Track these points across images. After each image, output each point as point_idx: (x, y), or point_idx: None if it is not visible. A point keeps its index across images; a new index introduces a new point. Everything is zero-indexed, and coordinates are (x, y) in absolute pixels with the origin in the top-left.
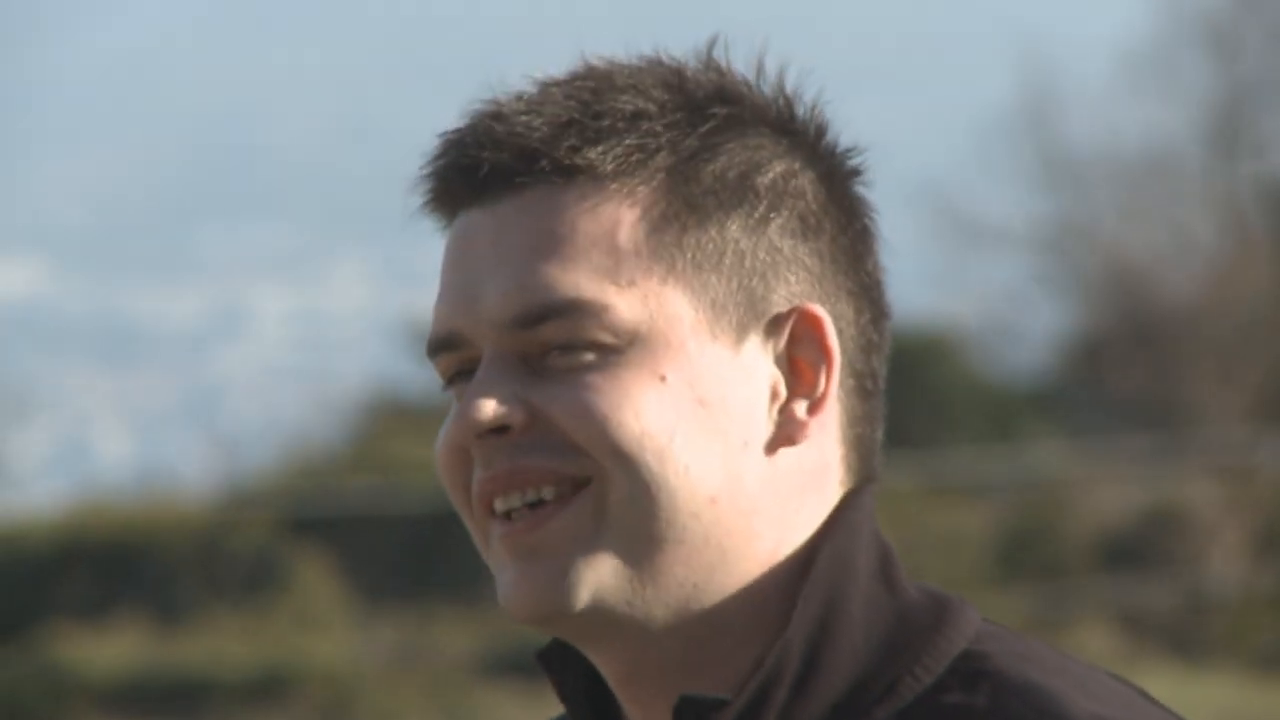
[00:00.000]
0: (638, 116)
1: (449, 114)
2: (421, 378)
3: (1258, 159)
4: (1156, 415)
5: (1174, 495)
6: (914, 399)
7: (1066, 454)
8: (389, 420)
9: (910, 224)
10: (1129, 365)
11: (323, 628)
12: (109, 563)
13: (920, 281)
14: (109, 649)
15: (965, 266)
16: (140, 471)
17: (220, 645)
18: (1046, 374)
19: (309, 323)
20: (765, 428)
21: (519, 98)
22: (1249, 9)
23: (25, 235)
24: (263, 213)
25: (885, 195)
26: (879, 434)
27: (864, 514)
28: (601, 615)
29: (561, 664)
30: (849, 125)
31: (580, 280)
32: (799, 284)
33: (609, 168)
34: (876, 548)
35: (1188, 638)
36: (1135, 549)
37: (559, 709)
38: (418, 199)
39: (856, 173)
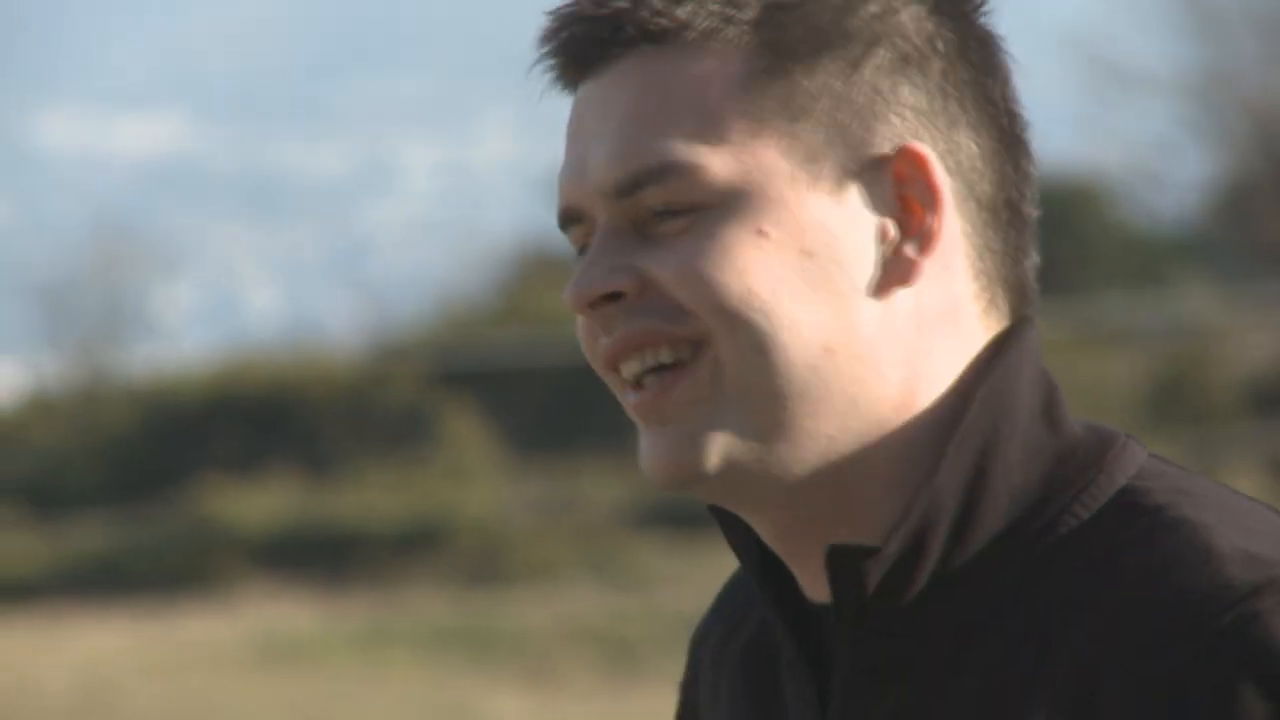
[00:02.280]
0: None
1: None
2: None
3: None
4: None
5: None
6: (1061, 246)
7: (1215, 301)
8: (537, 272)
9: (1058, 72)
10: (1273, 213)
11: (471, 480)
12: (259, 417)
13: (1068, 129)
14: (259, 502)
15: (1113, 114)
16: (289, 326)
17: (370, 498)
18: (1194, 221)
19: (456, 175)
20: (875, 272)
21: None
22: None
23: (167, 87)
24: (407, 64)
25: (1034, 43)
26: (1026, 267)
27: (1024, 353)
28: (736, 475)
29: (731, 518)
30: None
31: (672, 143)
32: (903, 122)
33: (696, 26)
34: (1040, 387)
35: None
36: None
37: (709, 559)
38: (539, 70)
39: (977, 4)
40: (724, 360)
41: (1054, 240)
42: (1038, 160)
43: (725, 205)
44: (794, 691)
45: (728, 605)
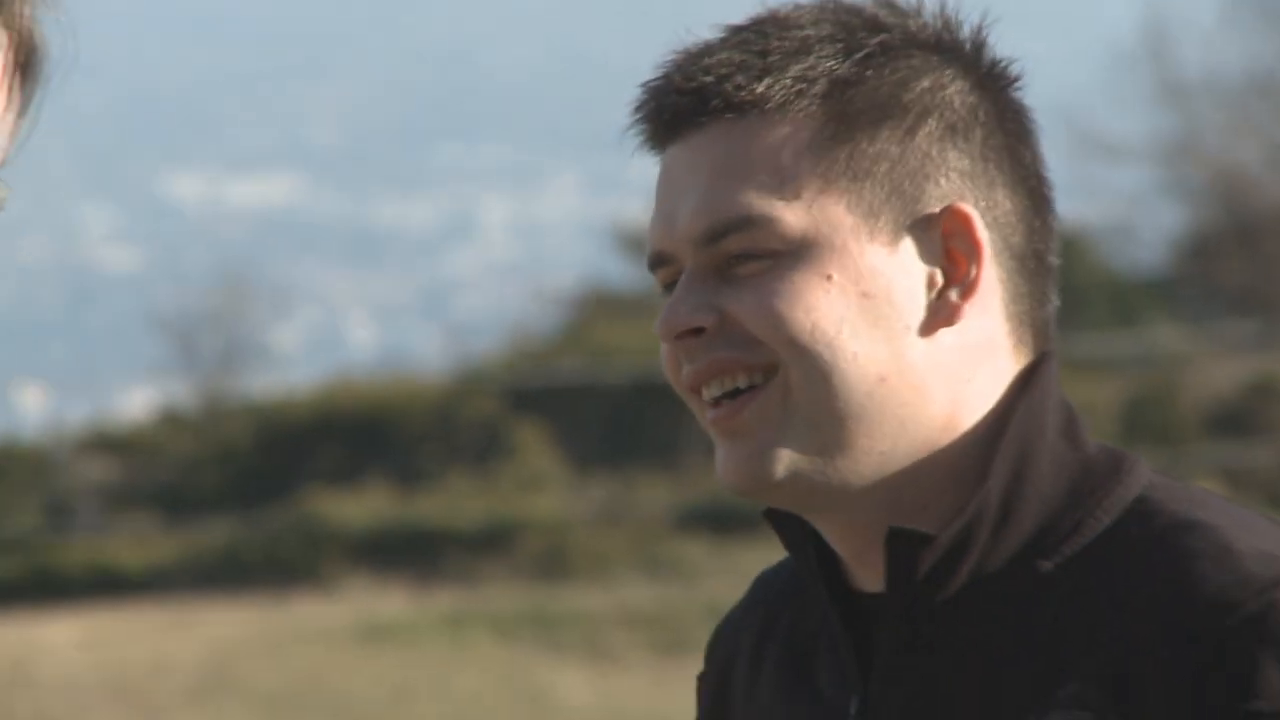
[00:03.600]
0: (799, 52)
1: (647, 47)
2: (624, 272)
3: None
4: (1256, 303)
5: (1272, 371)
6: None
7: (1181, 336)
8: (596, 309)
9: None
10: (1232, 261)
11: (540, 488)
12: (357, 434)
13: (1057, 190)
14: (358, 507)
15: (1094, 177)
16: (384, 356)
17: (453, 503)
18: (1163, 269)
19: (528, 227)
20: (923, 313)
21: (703, 46)
22: None
23: (285, 154)
24: (489, 133)
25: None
26: (1049, 308)
27: (1049, 381)
28: (800, 485)
29: (786, 520)
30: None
31: (752, 198)
32: (949, 184)
33: (773, 99)
34: (1062, 410)
35: None
36: (1238, 418)
37: (742, 555)
38: (632, 138)
39: (1012, 80)
40: (792, 385)
41: None
42: (1059, 216)
43: (797, 253)
44: (833, 673)
45: (762, 600)
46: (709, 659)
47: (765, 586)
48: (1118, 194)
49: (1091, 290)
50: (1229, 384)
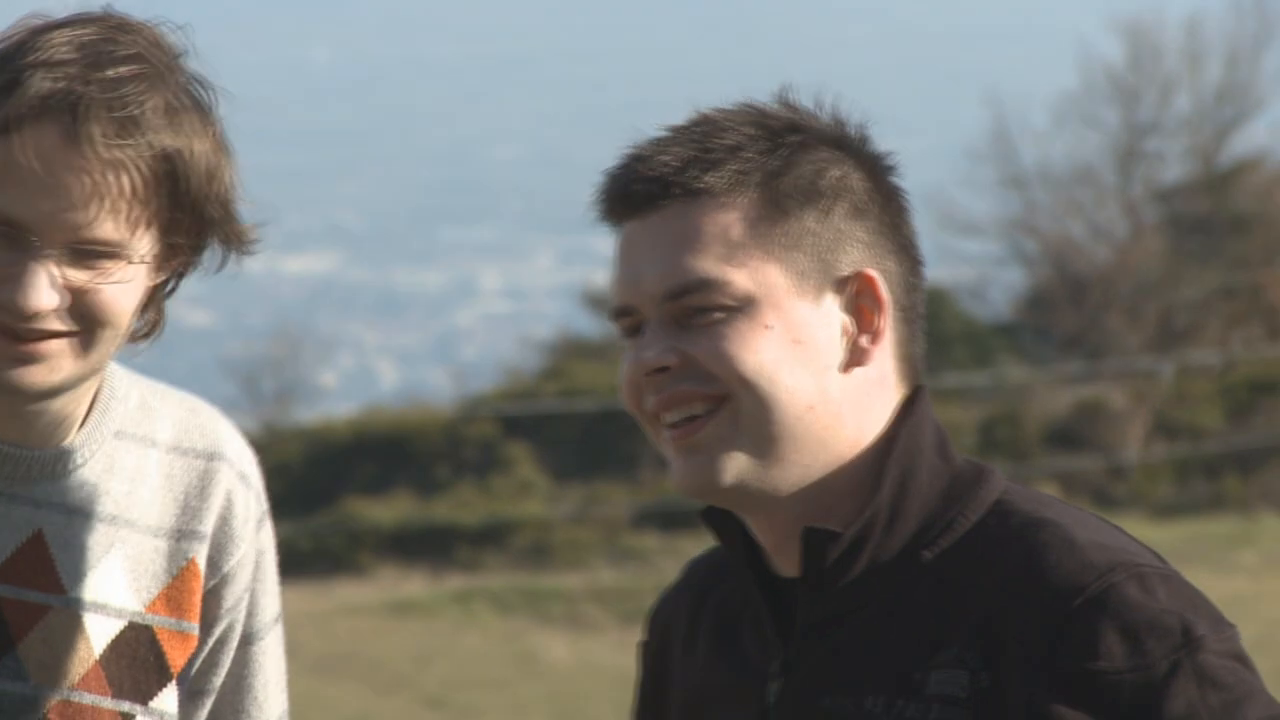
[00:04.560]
0: (736, 149)
1: (608, 149)
2: (590, 325)
3: (1149, 173)
4: (1082, 346)
5: (1097, 399)
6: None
7: (1023, 372)
8: (570, 353)
9: (918, 218)
10: (1063, 313)
11: (528, 494)
12: (385, 452)
13: (926, 256)
14: (386, 510)
15: (954, 247)
16: (405, 392)
17: (461, 506)
18: (1008, 318)
19: (516, 290)
20: (841, 355)
21: (654, 142)
22: (1142, 71)
23: (325, 236)
24: (484, 217)
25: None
26: (920, 348)
27: (925, 408)
28: (741, 489)
29: (720, 518)
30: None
31: (708, 264)
32: (857, 253)
33: (720, 187)
34: (936, 432)
35: (1107, 494)
36: (1069, 436)
37: (689, 547)
38: (595, 214)
39: (891, 168)
40: (741, 411)
41: None
42: (927, 277)
43: (743, 308)
44: (756, 640)
45: (694, 582)
46: (649, 629)
47: (695, 570)
48: (972, 260)
49: (953, 336)
50: (1062, 409)
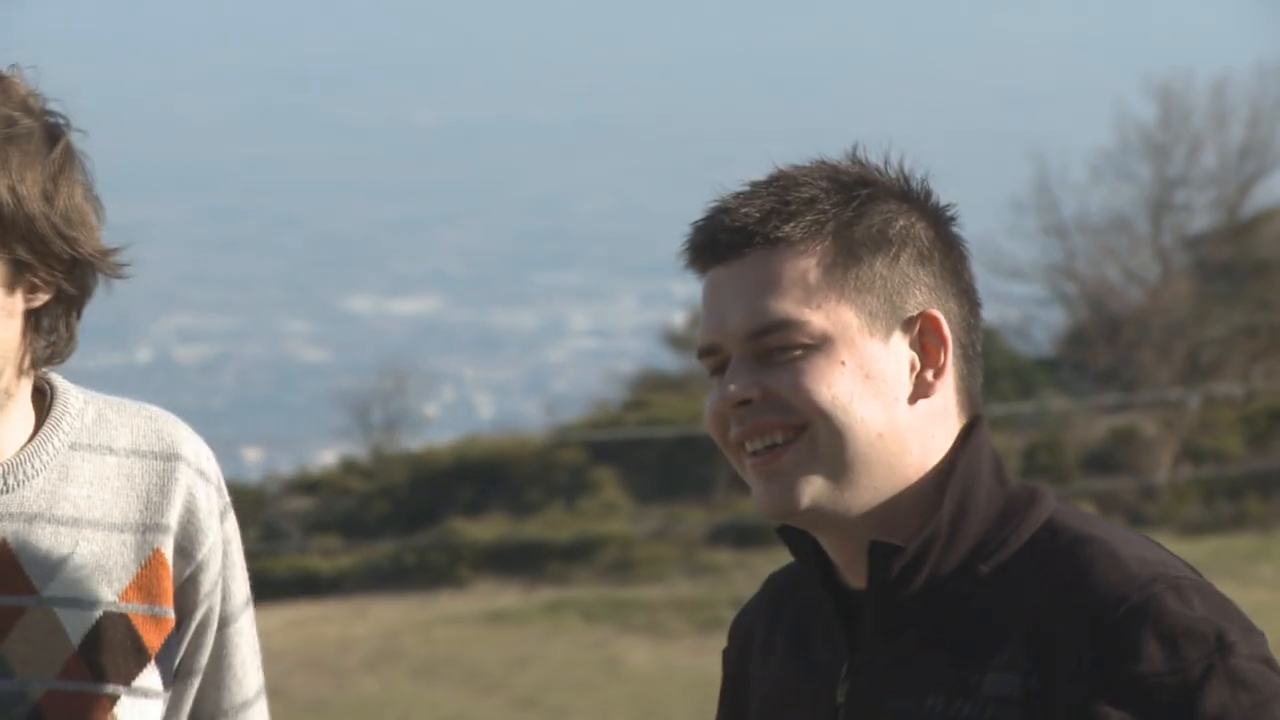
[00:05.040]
0: (813, 201)
1: (684, 201)
2: (670, 361)
3: (1178, 222)
4: (1117, 379)
5: (1130, 427)
6: None
7: (1063, 403)
8: (651, 386)
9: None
10: (1099, 349)
11: (613, 514)
12: (483, 477)
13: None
14: (484, 529)
15: (1001, 289)
16: (501, 422)
17: (551, 525)
18: (1050, 354)
19: (603, 330)
20: (908, 388)
21: (737, 196)
22: (1172, 130)
23: (429, 280)
24: (573, 262)
25: None
26: (978, 382)
27: (984, 436)
28: (817, 510)
29: (795, 536)
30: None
31: (788, 306)
32: (922, 295)
33: (798, 236)
34: (993, 457)
35: (1139, 514)
36: (1105, 460)
37: (760, 563)
38: (682, 261)
39: (953, 219)
40: (818, 440)
41: None
42: (983, 317)
43: (819, 346)
44: (827, 648)
45: (772, 594)
46: (731, 637)
47: (773, 584)
48: (1017, 301)
49: (999, 370)
50: (1098, 436)
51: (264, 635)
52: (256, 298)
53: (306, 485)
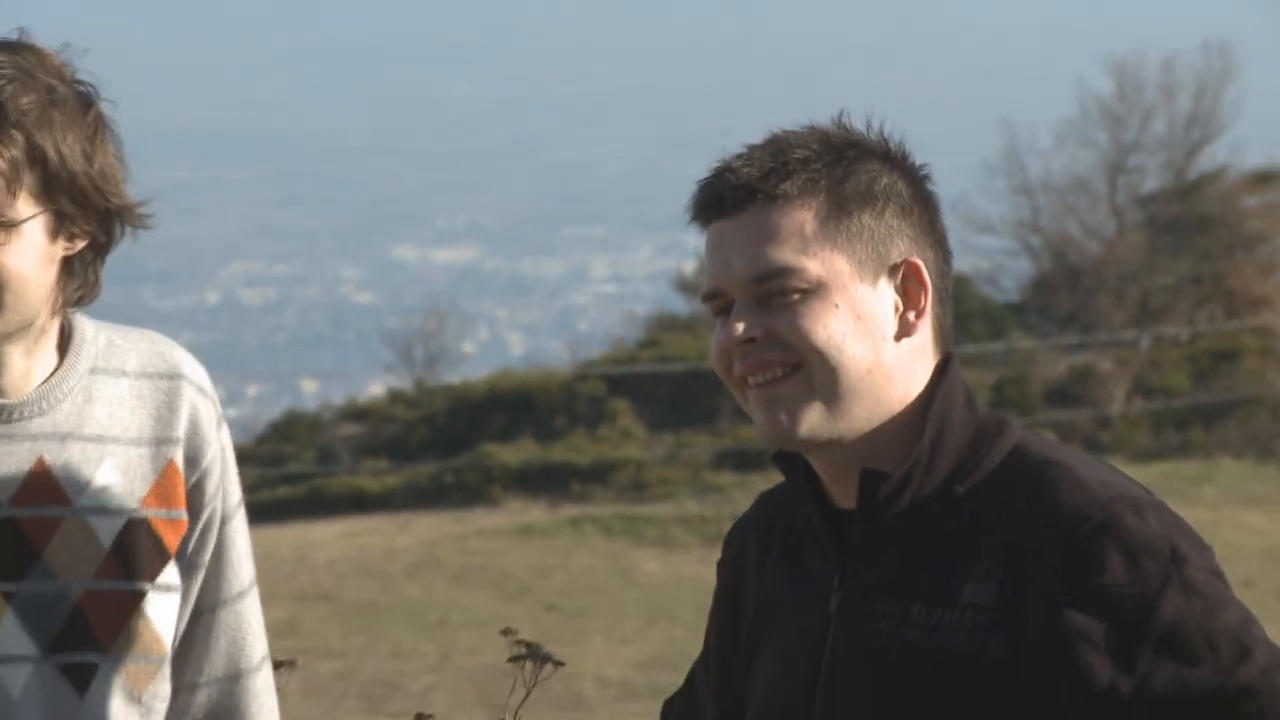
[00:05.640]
0: (807, 161)
1: (693, 166)
2: (682, 306)
3: (1132, 183)
4: (1078, 322)
5: (1088, 365)
6: None
7: (1029, 343)
8: (664, 326)
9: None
10: (1062, 295)
11: (628, 441)
12: (514, 407)
13: (953, 249)
14: (514, 453)
15: (974, 241)
16: (530, 357)
17: (574, 450)
18: (1018, 300)
19: (621, 276)
20: (893, 328)
21: (738, 157)
22: (1127, 102)
23: (467, 233)
24: (596, 219)
25: None
26: (950, 322)
27: (956, 371)
28: (813, 438)
29: (788, 459)
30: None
31: (787, 255)
32: (905, 244)
33: (795, 192)
34: (964, 389)
35: (1095, 442)
36: (1067, 394)
37: (759, 483)
38: (689, 215)
39: (927, 177)
40: (813, 375)
41: None
42: (953, 265)
43: (815, 290)
44: (818, 559)
45: (762, 512)
46: (726, 548)
47: (765, 502)
48: (988, 253)
49: (972, 313)
50: (1059, 373)
51: (319, 546)
52: (314, 248)
53: (357, 413)
